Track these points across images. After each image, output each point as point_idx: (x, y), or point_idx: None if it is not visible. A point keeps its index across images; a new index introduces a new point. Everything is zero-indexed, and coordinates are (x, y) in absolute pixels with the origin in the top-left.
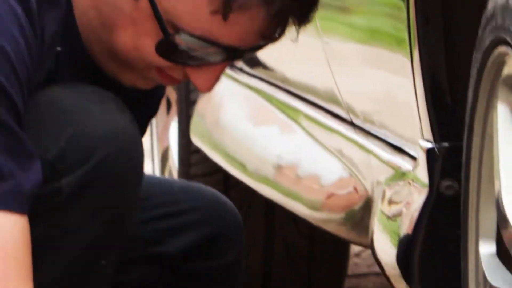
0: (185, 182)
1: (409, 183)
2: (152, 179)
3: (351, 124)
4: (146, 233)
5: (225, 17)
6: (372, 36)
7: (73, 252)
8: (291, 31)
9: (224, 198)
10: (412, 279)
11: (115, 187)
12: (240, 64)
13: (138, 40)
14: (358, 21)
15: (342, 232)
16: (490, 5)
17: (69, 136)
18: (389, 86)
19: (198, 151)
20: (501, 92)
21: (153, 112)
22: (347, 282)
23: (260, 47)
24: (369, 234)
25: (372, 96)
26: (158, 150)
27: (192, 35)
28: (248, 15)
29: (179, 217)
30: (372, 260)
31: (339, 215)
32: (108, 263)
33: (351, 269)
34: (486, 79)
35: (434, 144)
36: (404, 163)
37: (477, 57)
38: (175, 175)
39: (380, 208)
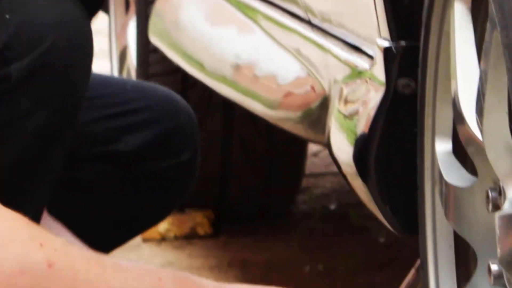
0: (139, 82)
1: (366, 81)
2: (106, 79)
3: (309, 23)
4: (99, 131)
5: None
6: None
7: (23, 139)
8: None
9: (178, 97)
10: (368, 177)
11: (64, 74)
12: None
13: None
14: None
15: (299, 130)
16: None
17: (18, 23)
18: None
19: (156, 50)
20: None
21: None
22: (305, 182)
23: None
24: (326, 133)
25: None
26: (116, 49)
27: None
28: None
29: (132, 116)
30: (329, 160)
31: (296, 114)
32: (59, 153)
33: (308, 169)
34: None
35: (391, 43)
36: (362, 62)
37: None
38: (133, 74)
39: (337, 107)
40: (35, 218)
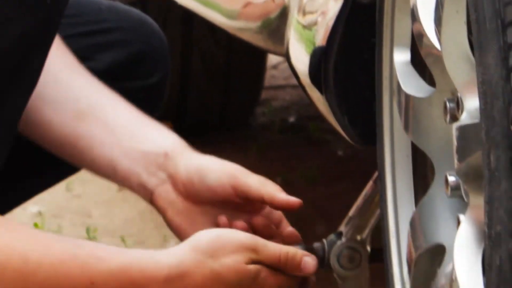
0: (112, 3)
1: None
2: None
3: None
4: (73, 49)
5: None
6: None
7: (2, 46)
8: None
9: (150, 20)
10: (327, 88)
11: None
12: None
13: None
14: None
15: (258, 41)
16: None
17: None
18: None
19: None
20: None
21: None
22: (264, 94)
23: None
24: (285, 44)
25: None
26: None
27: None
28: None
29: (105, 35)
30: (289, 72)
31: (255, 24)
32: (39, 62)
33: (268, 81)
34: None
35: None
36: None
37: None
38: None
39: (296, 17)
40: (11, 126)
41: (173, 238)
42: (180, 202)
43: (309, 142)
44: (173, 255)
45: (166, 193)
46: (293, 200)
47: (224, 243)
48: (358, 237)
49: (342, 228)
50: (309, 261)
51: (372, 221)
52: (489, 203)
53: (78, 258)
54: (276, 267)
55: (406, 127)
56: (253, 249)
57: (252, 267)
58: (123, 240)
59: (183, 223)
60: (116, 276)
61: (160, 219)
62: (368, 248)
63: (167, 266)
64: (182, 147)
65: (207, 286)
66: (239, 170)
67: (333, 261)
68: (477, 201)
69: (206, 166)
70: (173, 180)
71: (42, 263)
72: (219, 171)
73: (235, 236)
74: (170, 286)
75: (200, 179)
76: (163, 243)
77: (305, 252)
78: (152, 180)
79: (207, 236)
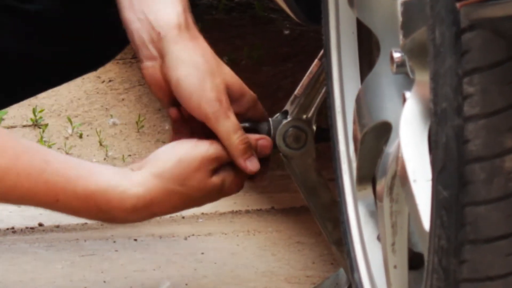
0: None
1: None
2: None
3: None
4: None
5: None
6: None
7: None
8: None
9: None
10: None
11: None
12: None
13: None
14: None
15: None
16: None
17: None
18: None
19: None
20: None
21: None
22: None
23: None
24: None
25: None
26: None
27: None
28: None
29: None
30: None
31: None
32: None
33: None
34: None
35: None
36: None
37: None
38: None
39: None
40: None
41: (118, 119)
42: (164, 82)
43: (255, 22)
44: (140, 185)
45: (153, 68)
46: (250, 169)
47: (186, 165)
48: (304, 116)
49: (288, 107)
50: (264, 143)
51: (317, 100)
52: (434, 79)
53: (45, 174)
54: (236, 158)
55: (351, 3)
56: (214, 159)
57: (216, 179)
58: (69, 120)
59: (165, 98)
60: (82, 199)
61: (106, 100)
62: (314, 127)
63: (134, 197)
64: (177, 31)
65: (177, 209)
66: (214, 107)
67: (279, 140)
68: (423, 78)
69: (186, 91)
70: (160, 64)
71: (8, 173)
72: (194, 105)
73: (195, 153)
74: (137, 214)
75: (177, 94)
76: (109, 124)
77: (258, 136)
78: (143, 50)
79: (169, 162)
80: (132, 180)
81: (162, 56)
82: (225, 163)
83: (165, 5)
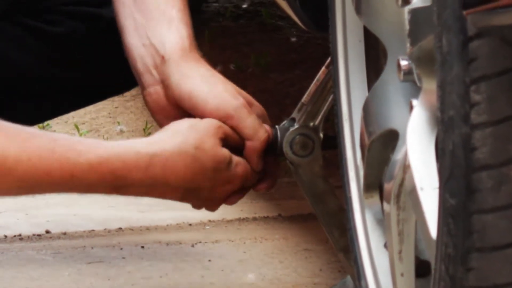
0: None
1: None
2: None
3: None
4: None
5: None
6: None
7: None
8: None
9: None
10: None
11: None
12: None
13: None
14: None
15: None
16: None
17: None
18: None
19: None
20: None
21: None
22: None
23: None
24: None
25: None
26: None
27: None
28: None
29: None
30: None
31: None
32: None
33: None
34: None
35: None
36: None
37: None
38: None
39: None
40: None
41: (125, 126)
42: (168, 107)
43: (262, 29)
44: (154, 144)
45: (156, 94)
46: (259, 168)
47: (200, 129)
48: (311, 124)
49: (295, 114)
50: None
51: (325, 107)
52: (441, 87)
53: (56, 152)
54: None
55: (358, 10)
56: (224, 129)
57: (226, 151)
58: (76, 127)
59: (169, 123)
60: (96, 168)
61: (113, 107)
62: (321, 135)
63: (148, 155)
64: (181, 53)
65: (187, 173)
66: (234, 105)
67: (286, 147)
68: (430, 86)
69: (200, 98)
70: (165, 88)
71: (20, 159)
72: (212, 108)
73: (206, 121)
74: (151, 174)
75: (191, 107)
76: (116, 131)
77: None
78: (146, 76)
79: (182, 126)
80: (146, 141)
81: (165, 79)
82: (231, 141)
83: (170, 30)
